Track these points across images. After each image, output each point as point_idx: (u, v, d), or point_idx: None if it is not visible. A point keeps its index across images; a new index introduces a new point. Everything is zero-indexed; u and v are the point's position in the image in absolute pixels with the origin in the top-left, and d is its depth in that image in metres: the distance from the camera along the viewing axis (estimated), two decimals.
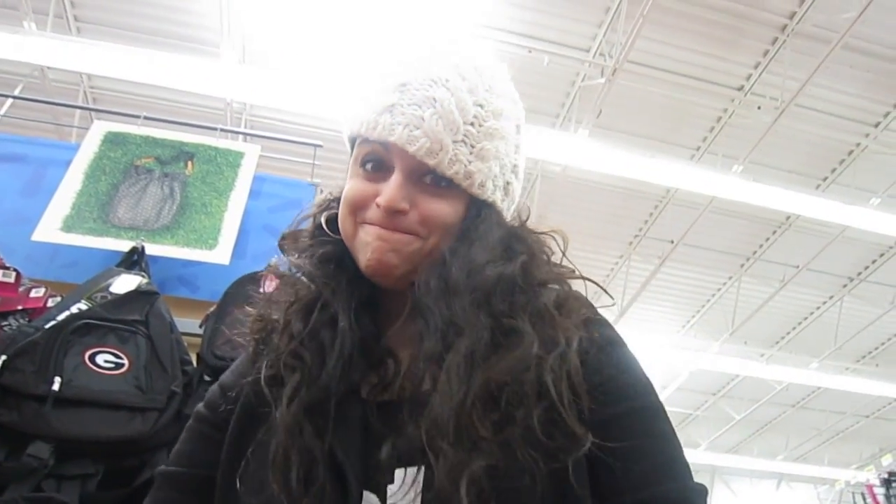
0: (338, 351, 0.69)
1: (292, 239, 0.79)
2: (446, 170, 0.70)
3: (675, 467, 0.65)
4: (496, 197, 0.75)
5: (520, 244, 0.74)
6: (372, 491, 0.65)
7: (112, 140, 2.35)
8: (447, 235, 0.71)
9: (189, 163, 2.38)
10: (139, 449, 1.41)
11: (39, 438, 1.32)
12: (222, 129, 2.64)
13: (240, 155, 2.44)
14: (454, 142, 0.70)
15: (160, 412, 1.44)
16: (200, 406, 0.81)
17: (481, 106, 0.73)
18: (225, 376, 0.82)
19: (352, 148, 0.78)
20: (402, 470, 0.63)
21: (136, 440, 1.40)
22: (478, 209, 0.73)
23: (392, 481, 0.64)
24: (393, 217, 0.70)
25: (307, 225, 0.81)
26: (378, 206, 0.70)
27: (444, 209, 0.71)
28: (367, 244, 0.71)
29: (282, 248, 0.80)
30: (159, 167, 2.33)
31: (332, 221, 0.78)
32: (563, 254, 0.77)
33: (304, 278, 0.76)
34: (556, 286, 0.73)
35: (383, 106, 0.71)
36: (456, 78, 0.72)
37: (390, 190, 0.69)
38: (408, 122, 0.69)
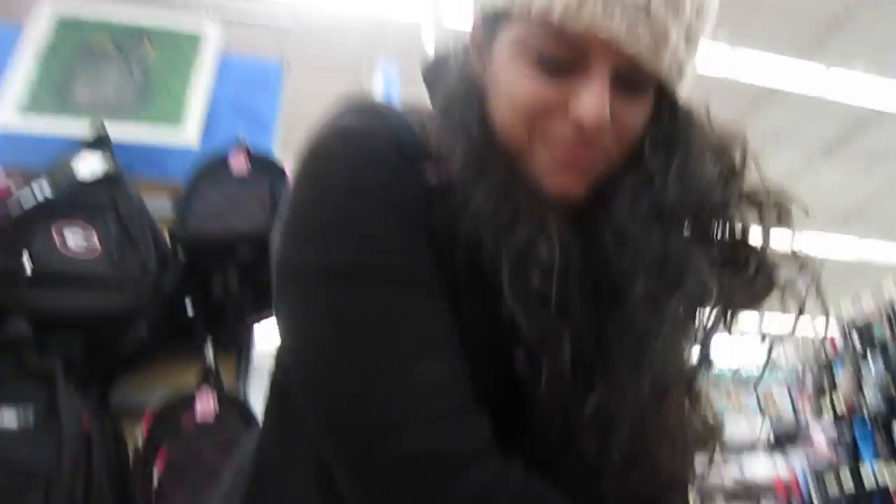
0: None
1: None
2: (664, 72, 0.56)
3: None
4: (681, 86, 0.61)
5: (728, 156, 0.63)
6: None
7: (63, 21, 2.22)
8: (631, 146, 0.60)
9: (148, 43, 2.27)
10: (116, 322, 1.43)
11: (15, 315, 1.33)
12: (183, 7, 2.50)
13: (199, 36, 2.32)
14: (677, 38, 0.55)
15: (136, 286, 1.44)
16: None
17: None
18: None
19: (504, 21, 0.58)
20: None
21: (113, 314, 1.42)
22: (669, 105, 0.60)
23: None
24: (593, 137, 0.56)
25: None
26: (576, 123, 0.55)
27: (639, 119, 0.59)
28: (556, 168, 0.58)
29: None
30: (116, 49, 2.22)
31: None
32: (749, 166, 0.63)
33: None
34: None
35: None
36: None
37: (597, 106, 0.54)
38: (628, 14, 0.52)
